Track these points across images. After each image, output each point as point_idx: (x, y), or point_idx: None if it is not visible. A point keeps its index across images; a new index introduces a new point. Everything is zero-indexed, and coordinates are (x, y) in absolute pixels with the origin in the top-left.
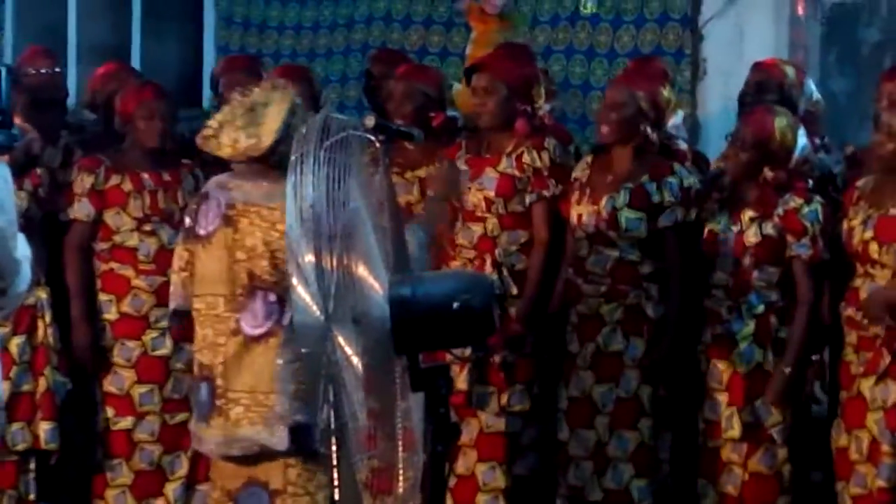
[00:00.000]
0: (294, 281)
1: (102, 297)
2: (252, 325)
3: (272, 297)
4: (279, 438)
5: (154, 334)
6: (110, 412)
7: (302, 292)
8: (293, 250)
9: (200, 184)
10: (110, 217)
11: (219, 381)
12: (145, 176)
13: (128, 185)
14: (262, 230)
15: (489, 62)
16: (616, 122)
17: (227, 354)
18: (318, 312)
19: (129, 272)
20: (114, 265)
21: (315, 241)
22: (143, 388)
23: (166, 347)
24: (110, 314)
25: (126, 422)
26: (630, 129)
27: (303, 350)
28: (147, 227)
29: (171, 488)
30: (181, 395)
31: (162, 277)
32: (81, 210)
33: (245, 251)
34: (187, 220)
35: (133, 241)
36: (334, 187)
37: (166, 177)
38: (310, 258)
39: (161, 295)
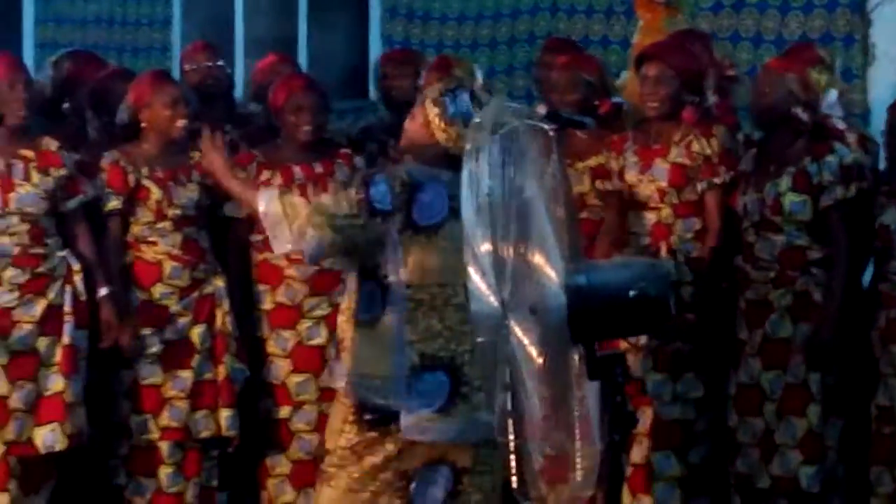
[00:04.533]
0: (471, 270)
1: (258, 287)
2: None
3: None
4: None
5: (308, 324)
6: (269, 402)
7: (478, 281)
8: (469, 239)
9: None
10: None
11: (465, 370)
12: (297, 169)
13: (278, 180)
14: None
15: (661, 52)
16: (766, 107)
17: (473, 343)
18: (494, 302)
19: (282, 262)
20: (268, 255)
21: (491, 230)
22: (299, 378)
23: (321, 337)
24: (266, 304)
25: (283, 411)
26: (782, 112)
27: (478, 339)
28: None
29: None
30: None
31: (314, 267)
32: (236, 207)
33: None
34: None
35: None
36: (510, 176)
37: (318, 168)
38: (486, 247)
39: (313, 284)
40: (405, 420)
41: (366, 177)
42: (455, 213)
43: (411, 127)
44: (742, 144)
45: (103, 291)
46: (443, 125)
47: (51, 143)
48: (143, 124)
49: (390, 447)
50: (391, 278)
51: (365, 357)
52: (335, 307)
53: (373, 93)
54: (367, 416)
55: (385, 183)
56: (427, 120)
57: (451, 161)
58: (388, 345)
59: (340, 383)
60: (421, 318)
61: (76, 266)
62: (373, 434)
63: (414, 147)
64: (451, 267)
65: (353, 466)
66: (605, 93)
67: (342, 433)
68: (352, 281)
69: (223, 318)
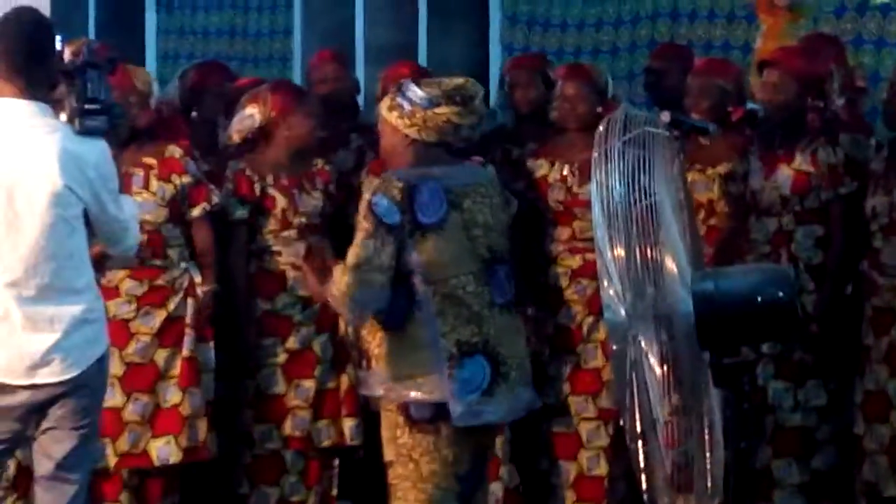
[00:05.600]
0: (602, 278)
1: None
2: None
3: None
4: (535, 398)
5: None
6: None
7: (609, 289)
8: (601, 246)
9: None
10: None
11: (500, 350)
12: None
13: None
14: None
15: (781, 58)
16: None
17: (496, 325)
18: (622, 310)
19: None
20: None
21: (621, 237)
22: None
23: None
24: None
25: None
26: None
27: (613, 346)
28: None
29: None
30: None
31: None
32: None
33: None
34: None
35: None
36: (638, 182)
37: None
38: (618, 252)
39: None
40: (455, 409)
41: (367, 205)
42: (454, 205)
43: (385, 141)
44: (873, 149)
45: (207, 287)
46: (407, 121)
47: (175, 151)
48: (276, 134)
49: (445, 452)
50: (415, 279)
51: (402, 359)
52: None
53: (493, 100)
54: (416, 416)
55: (384, 197)
56: (393, 127)
57: (437, 155)
58: (423, 341)
59: (377, 392)
60: (449, 308)
61: (199, 279)
62: (426, 436)
63: (396, 158)
64: (458, 257)
65: (415, 474)
66: (740, 100)
67: (396, 440)
68: None
69: (346, 327)
